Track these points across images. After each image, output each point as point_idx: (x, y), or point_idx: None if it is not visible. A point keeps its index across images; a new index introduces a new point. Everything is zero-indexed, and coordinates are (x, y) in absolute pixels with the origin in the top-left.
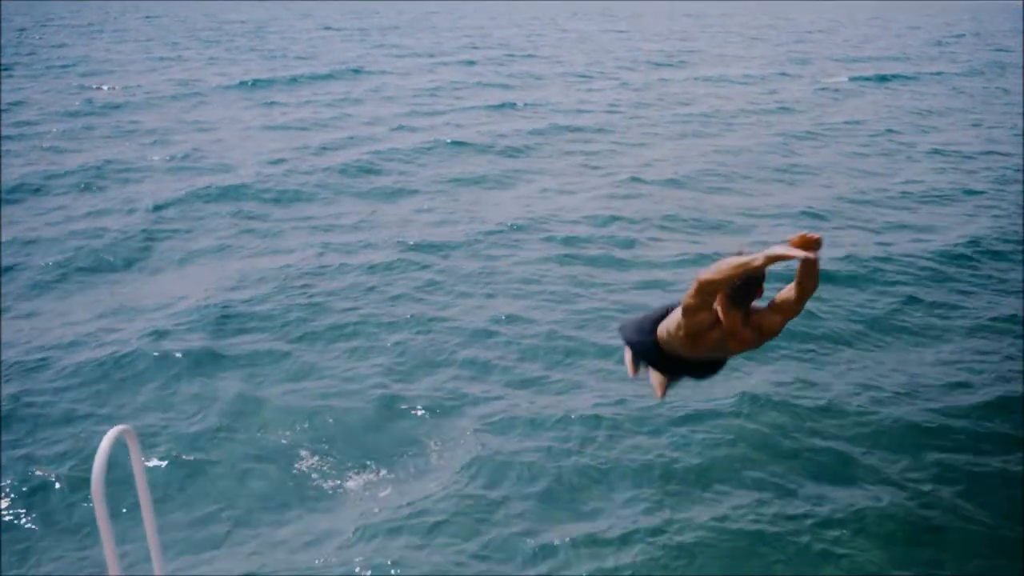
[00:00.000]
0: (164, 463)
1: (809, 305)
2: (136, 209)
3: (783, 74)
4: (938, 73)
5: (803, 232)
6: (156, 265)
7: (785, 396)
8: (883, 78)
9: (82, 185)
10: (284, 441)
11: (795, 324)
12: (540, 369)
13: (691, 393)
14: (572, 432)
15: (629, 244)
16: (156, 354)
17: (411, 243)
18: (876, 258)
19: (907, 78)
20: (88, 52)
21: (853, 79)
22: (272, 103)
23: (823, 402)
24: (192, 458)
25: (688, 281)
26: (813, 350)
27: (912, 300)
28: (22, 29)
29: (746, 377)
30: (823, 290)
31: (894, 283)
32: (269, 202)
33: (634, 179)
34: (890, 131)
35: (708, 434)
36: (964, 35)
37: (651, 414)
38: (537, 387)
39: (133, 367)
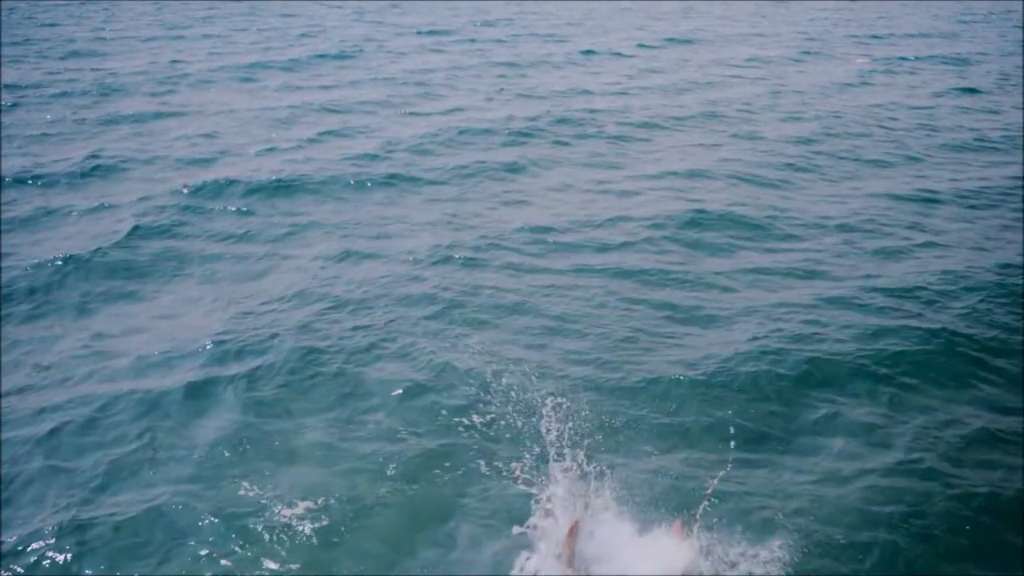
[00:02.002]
0: (137, 529)
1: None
2: (126, 210)
3: (805, 53)
4: (980, 53)
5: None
6: (147, 280)
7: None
8: (910, 58)
9: (65, 182)
10: (279, 510)
11: (871, 357)
12: (580, 418)
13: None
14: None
15: (677, 249)
16: (140, 395)
17: (426, 252)
18: (954, 273)
19: (940, 58)
20: (77, 31)
21: (879, 59)
22: (269, 87)
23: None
24: (172, 521)
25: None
26: (887, 382)
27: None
28: (10, 8)
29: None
30: (895, 313)
31: (971, 305)
32: (269, 198)
33: (672, 173)
34: (938, 114)
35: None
36: (978, 16)
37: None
38: (579, 443)
39: (114, 410)
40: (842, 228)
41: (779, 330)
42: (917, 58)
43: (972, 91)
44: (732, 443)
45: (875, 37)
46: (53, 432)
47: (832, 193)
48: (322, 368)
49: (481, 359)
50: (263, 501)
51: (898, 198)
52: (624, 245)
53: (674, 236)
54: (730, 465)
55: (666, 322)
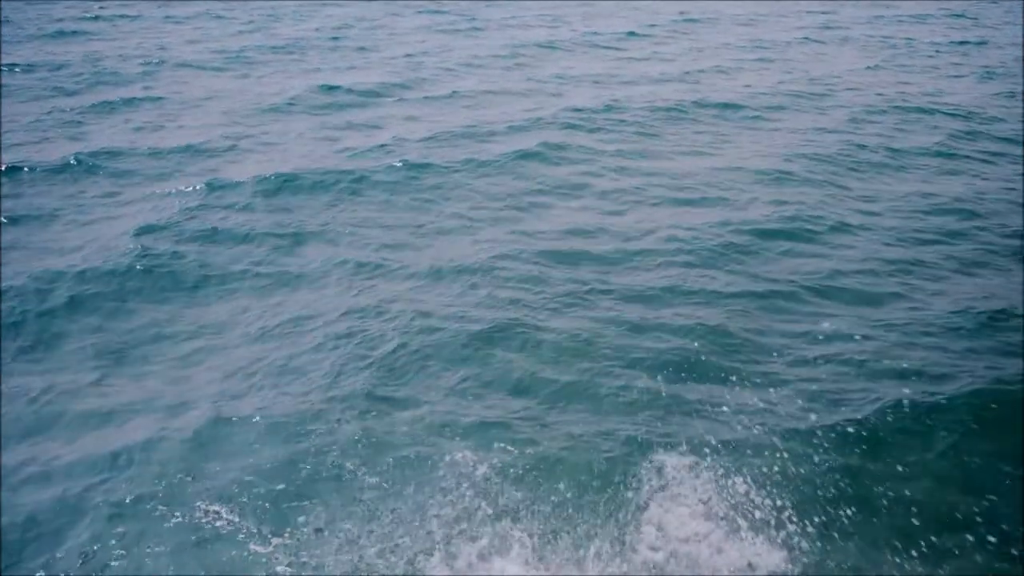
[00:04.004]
0: None
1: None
2: (124, 214)
3: (817, 36)
4: (994, 35)
5: None
6: (151, 299)
7: None
8: (921, 40)
9: (55, 180)
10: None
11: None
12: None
13: None
14: None
15: (708, 261)
16: (147, 440)
17: (444, 264)
18: None
19: (957, 41)
20: (64, 10)
21: (890, 41)
22: (263, 71)
23: None
24: None
25: None
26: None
27: None
28: None
29: None
30: (967, 345)
31: None
32: (277, 198)
33: (702, 169)
34: (972, 101)
35: None
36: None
37: None
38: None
39: (117, 458)
40: (900, 235)
41: (832, 364)
42: (932, 42)
43: (998, 74)
44: (787, 527)
45: (879, 18)
46: (52, 485)
47: (881, 194)
48: (344, 424)
49: (508, 406)
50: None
51: (957, 198)
52: (654, 256)
53: (704, 245)
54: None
55: (696, 354)
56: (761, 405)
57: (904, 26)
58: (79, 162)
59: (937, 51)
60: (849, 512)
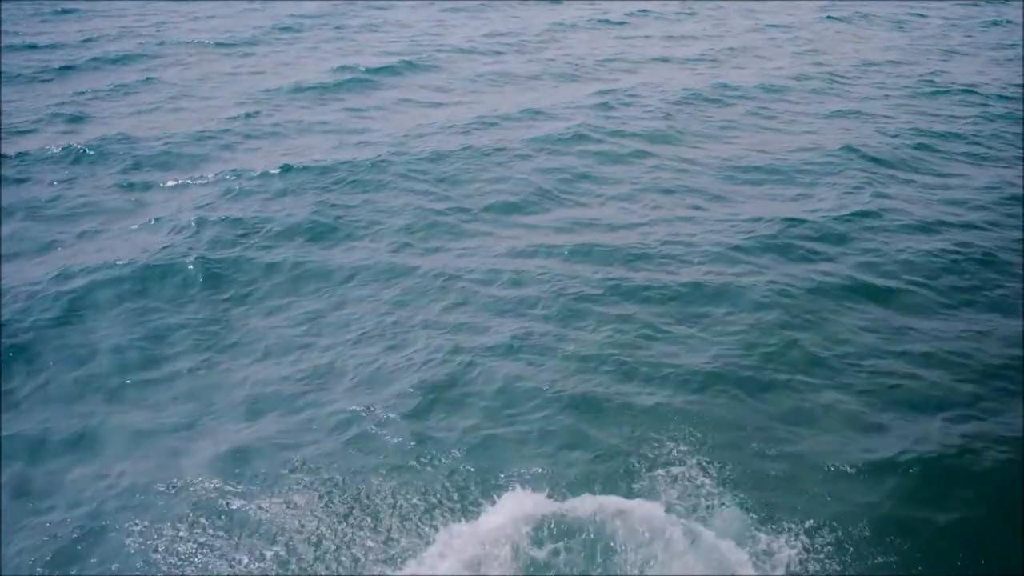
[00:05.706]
0: None
1: None
2: (136, 212)
3: (839, 14)
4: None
5: None
6: (178, 303)
7: None
8: (941, 20)
9: (61, 170)
10: None
11: None
12: None
13: None
14: None
15: (761, 267)
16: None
17: (495, 265)
18: None
19: (982, 20)
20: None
21: (911, 22)
22: (270, 54)
23: None
24: None
25: None
26: None
27: None
28: None
29: None
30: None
31: None
32: (308, 193)
33: (748, 166)
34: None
35: None
36: None
37: None
38: None
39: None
40: (967, 227)
41: (878, 383)
42: (957, 22)
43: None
44: None
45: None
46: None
47: (927, 182)
48: (372, 436)
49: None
50: None
51: (1004, 187)
52: (680, 253)
53: (738, 242)
54: None
55: (729, 360)
56: (792, 419)
57: (928, 3)
58: (82, 149)
59: (953, 28)
60: (867, 531)
